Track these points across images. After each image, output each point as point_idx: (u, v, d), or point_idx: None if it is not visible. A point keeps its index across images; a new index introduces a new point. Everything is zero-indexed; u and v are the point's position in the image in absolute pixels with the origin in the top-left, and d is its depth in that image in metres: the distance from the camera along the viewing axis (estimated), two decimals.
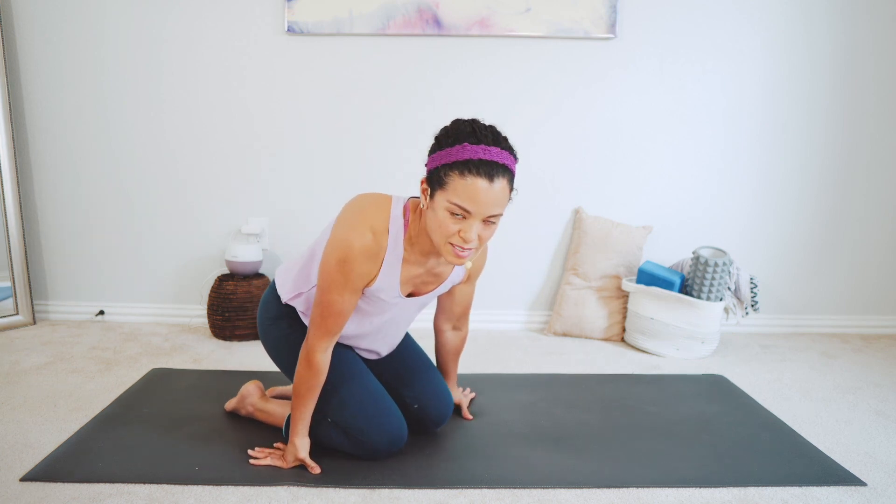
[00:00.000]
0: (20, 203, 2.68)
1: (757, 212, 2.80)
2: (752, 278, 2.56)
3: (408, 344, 1.82)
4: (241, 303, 2.53)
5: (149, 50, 2.64)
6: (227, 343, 2.54)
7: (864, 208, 2.81)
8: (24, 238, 2.69)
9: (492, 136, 1.32)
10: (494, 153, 1.29)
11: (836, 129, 2.74)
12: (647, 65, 2.68)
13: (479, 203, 1.28)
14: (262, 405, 1.78)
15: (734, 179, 2.77)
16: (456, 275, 1.61)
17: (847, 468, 1.61)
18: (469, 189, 1.27)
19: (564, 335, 2.74)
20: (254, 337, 2.58)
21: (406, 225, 1.44)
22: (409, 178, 2.67)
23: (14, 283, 2.67)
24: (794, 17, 2.66)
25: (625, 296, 2.70)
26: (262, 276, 2.66)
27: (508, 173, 1.32)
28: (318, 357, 1.47)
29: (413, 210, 1.45)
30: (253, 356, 2.38)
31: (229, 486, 1.47)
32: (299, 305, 1.63)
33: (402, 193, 1.61)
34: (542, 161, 2.74)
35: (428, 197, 1.36)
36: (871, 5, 2.65)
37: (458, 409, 1.88)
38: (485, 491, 1.47)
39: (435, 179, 1.33)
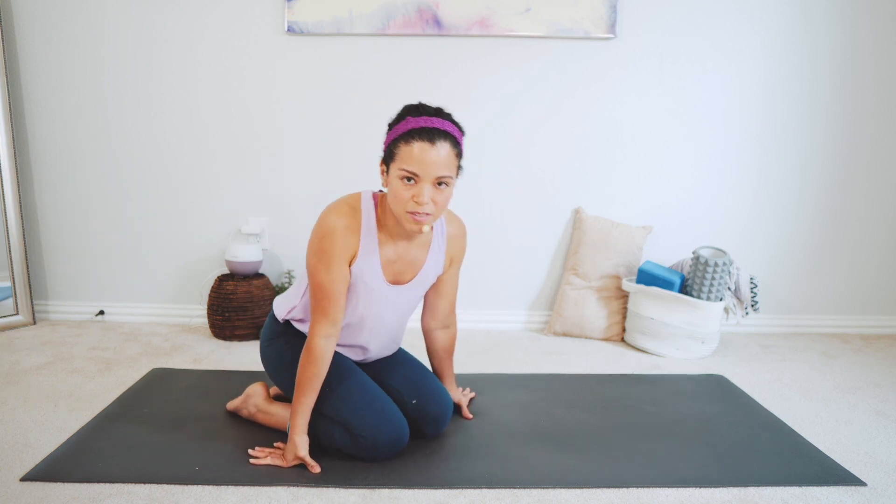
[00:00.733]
0: (20, 203, 2.68)
1: (757, 212, 2.80)
2: (752, 278, 2.56)
3: (404, 355, 1.84)
4: (241, 303, 2.53)
5: (149, 50, 2.64)
6: (227, 343, 2.54)
7: (864, 208, 2.81)
8: (24, 238, 2.69)
9: (434, 110, 1.46)
10: (436, 122, 1.42)
11: (836, 129, 2.74)
12: (647, 65, 2.68)
13: (425, 164, 1.40)
14: (266, 406, 1.77)
15: (734, 179, 2.77)
16: (434, 262, 1.65)
17: (847, 468, 1.61)
18: (414, 153, 1.40)
19: (564, 335, 2.74)
20: (253, 337, 2.58)
21: (375, 206, 1.55)
22: None
23: (14, 283, 2.67)
24: (794, 17, 2.66)
25: (625, 296, 2.70)
26: (262, 276, 2.66)
27: (451, 138, 1.43)
28: (316, 341, 1.50)
29: (381, 198, 1.57)
30: (253, 356, 2.38)
31: (229, 486, 1.47)
32: (297, 315, 1.69)
33: None
34: (542, 161, 2.74)
35: (385, 174, 1.48)
36: (871, 5, 2.65)
37: (458, 409, 1.88)
38: (485, 491, 1.47)
39: (388, 156, 1.46)
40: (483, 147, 2.73)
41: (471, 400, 1.98)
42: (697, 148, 2.75)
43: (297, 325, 1.72)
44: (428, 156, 1.39)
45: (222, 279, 2.60)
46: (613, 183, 2.77)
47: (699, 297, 2.46)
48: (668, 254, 2.79)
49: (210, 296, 2.60)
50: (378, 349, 1.74)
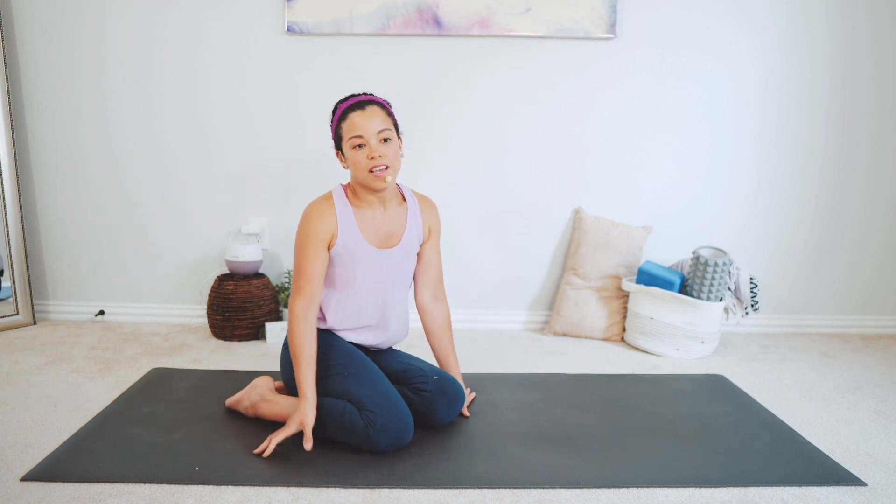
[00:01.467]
0: (20, 203, 2.68)
1: (757, 212, 2.80)
2: (752, 278, 2.56)
3: (411, 357, 1.90)
4: (241, 303, 2.53)
5: (149, 50, 2.64)
6: (227, 343, 2.54)
7: (864, 208, 2.81)
8: (24, 238, 2.69)
9: (360, 93, 1.73)
10: (361, 96, 1.71)
11: (836, 129, 2.74)
12: (647, 65, 2.68)
13: (364, 126, 1.64)
14: (270, 395, 1.80)
15: (734, 179, 2.77)
16: (413, 226, 1.80)
17: (847, 468, 1.61)
18: (352, 122, 1.66)
19: (564, 335, 2.74)
20: (253, 337, 2.58)
21: (346, 191, 1.77)
22: (408, 177, 2.67)
23: (14, 283, 2.67)
24: (794, 17, 2.66)
25: (625, 296, 2.70)
26: (262, 275, 2.66)
27: (376, 103, 1.69)
28: (296, 314, 1.66)
29: (348, 186, 1.79)
30: (253, 356, 2.38)
31: (229, 486, 1.46)
32: None
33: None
34: (542, 161, 2.74)
35: (342, 157, 1.72)
36: (871, 5, 2.65)
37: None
38: (485, 491, 1.47)
39: (337, 140, 1.71)
40: (483, 147, 2.73)
41: (472, 400, 1.98)
42: (697, 148, 2.75)
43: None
44: (363, 119, 1.65)
45: (222, 279, 2.60)
46: (613, 183, 2.77)
47: (699, 297, 2.46)
48: (668, 254, 2.79)
49: (210, 296, 2.60)
50: (395, 328, 1.84)
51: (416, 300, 1.93)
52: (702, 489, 1.50)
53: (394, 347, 1.93)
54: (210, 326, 2.62)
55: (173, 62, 2.65)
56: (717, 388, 2.15)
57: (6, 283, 2.66)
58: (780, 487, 1.51)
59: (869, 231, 2.83)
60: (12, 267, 2.67)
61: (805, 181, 2.78)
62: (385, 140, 1.67)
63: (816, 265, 2.85)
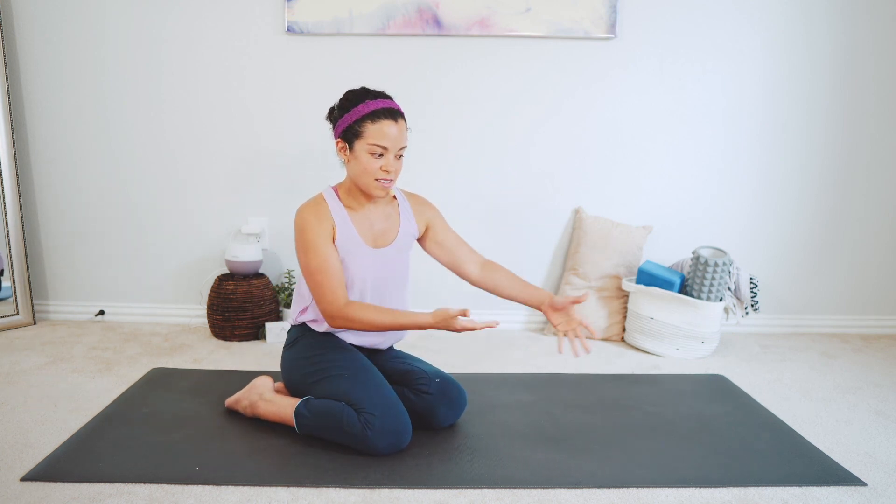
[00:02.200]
0: (20, 203, 2.68)
1: (757, 212, 2.80)
2: (752, 278, 2.56)
3: (413, 358, 1.89)
4: (241, 303, 2.53)
5: (149, 50, 2.64)
6: (227, 343, 2.54)
7: (864, 208, 2.81)
8: (24, 238, 2.69)
9: (384, 94, 1.69)
10: (391, 103, 1.66)
11: (836, 129, 2.74)
12: (647, 65, 2.68)
13: (392, 139, 1.62)
14: (270, 395, 1.79)
15: (734, 179, 2.77)
16: (407, 224, 1.80)
17: (847, 468, 1.61)
18: (383, 130, 1.62)
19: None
20: (253, 337, 2.58)
21: (336, 193, 1.75)
22: (408, 177, 2.67)
23: (14, 282, 2.67)
24: (794, 17, 2.66)
25: (625, 296, 2.70)
26: (262, 275, 2.66)
27: (403, 116, 1.67)
28: (342, 312, 1.63)
29: (338, 188, 1.77)
30: (253, 356, 2.38)
31: (229, 486, 1.47)
32: (309, 316, 1.78)
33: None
34: (542, 161, 2.74)
35: (347, 151, 1.67)
36: (871, 5, 2.65)
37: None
38: (485, 491, 1.47)
39: (351, 133, 1.64)
40: (483, 147, 2.73)
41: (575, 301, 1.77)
42: (697, 148, 2.75)
43: (312, 326, 1.79)
44: (393, 131, 1.62)
45: (222, 279, 2.60)
46: (613, 183, 2.77)
47: (699, 297, 2.46)
48: (668, 254, 2.79)
49: (210, 296, 2.60)
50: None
51: (470, 281, 1.87)
52: (702, 489, 1.50)
53: (394, 347, 1.93)
54: (210, 326, 2.62)
55: (173, 62, 2.65)
56: (717, 388, 2.15)
57: (6, 283, 2.66)
58: (780, 487, 1.51)
59: (869, 231, 2.83)
60: (12, 267, 2.67)
61: (805, 181, 2.78)
62: (399, 156, 1.68)
63: (816, 265, 2.85)
